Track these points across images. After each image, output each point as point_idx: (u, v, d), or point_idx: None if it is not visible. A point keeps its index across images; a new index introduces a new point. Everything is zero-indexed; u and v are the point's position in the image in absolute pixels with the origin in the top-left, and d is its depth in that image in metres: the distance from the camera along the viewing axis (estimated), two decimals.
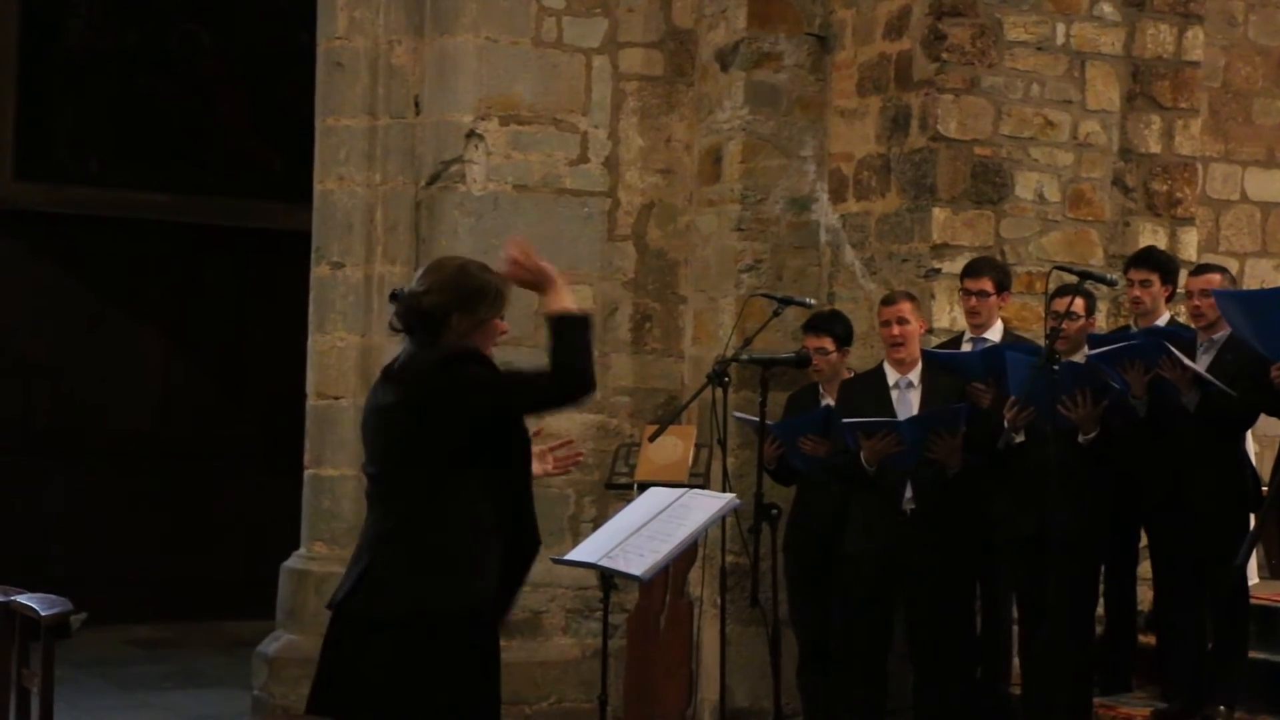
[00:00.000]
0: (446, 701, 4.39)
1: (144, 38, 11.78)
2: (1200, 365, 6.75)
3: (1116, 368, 6.71)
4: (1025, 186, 7.87)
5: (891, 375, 7.11)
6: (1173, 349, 6.61)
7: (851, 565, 7.07)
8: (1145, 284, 7.19)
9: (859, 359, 7.66)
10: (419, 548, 4.43)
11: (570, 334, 4.44)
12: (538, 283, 4.51)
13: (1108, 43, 8.02)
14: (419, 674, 4.38)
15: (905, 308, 7.07)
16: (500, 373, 4.50)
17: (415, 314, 4.50)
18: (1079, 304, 6.88)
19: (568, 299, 4.49)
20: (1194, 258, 8.02)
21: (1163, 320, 7.19)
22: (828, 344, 7.38)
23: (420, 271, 4.64)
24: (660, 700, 7.98)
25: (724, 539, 7.54)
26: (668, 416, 7.92)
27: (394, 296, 4.58)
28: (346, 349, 8.45)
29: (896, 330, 7.04)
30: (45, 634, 5.48)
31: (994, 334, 7.22)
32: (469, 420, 4.41)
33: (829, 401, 7.33)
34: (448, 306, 4.47)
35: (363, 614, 4.45)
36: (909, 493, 6.97)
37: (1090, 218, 7.99)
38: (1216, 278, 6.97)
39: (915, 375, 7.08)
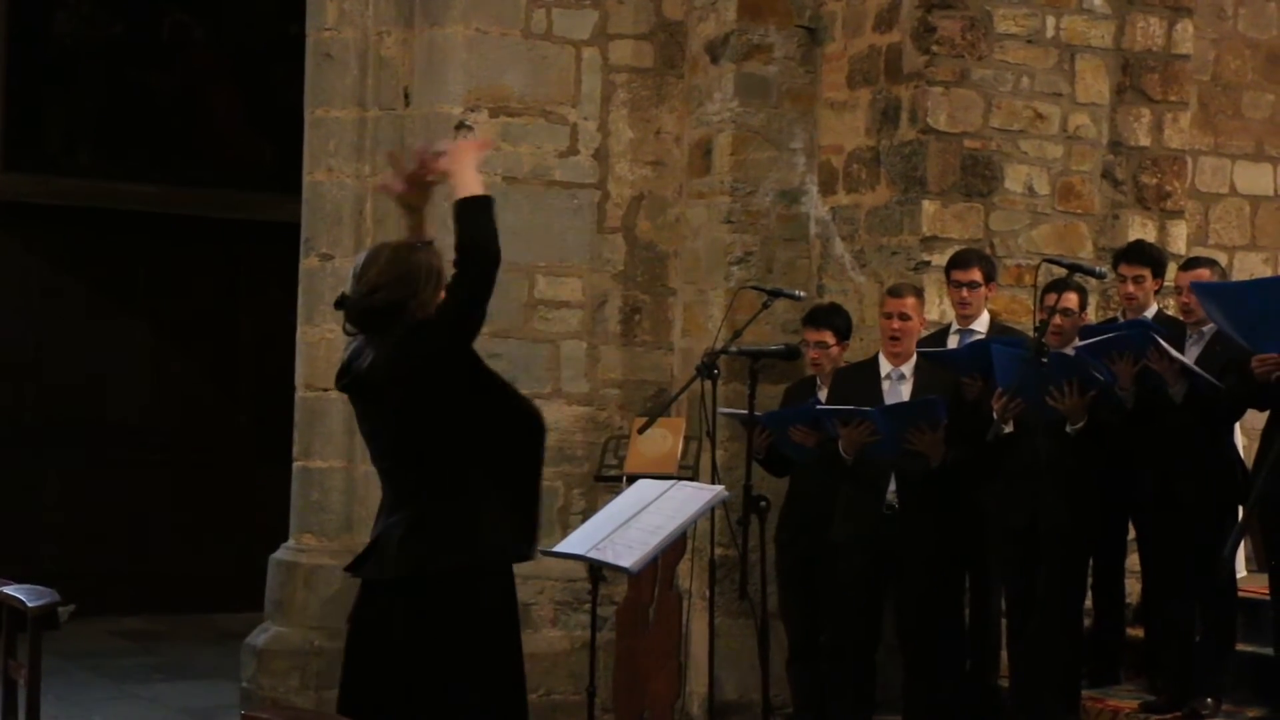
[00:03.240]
0: (463, 657, 4.45)
1: (134, 28, 11.74)
2: (1189, 357, 6.75)
3: (1104, 359, 6.70)
4: (1015, 179, 7.86)
5: (885, 366, 7.12)
6: (1161, 340, 6.60)
7: (838, 554, 7.07)
8: (1138, 280, 7.18)
9: (849, 350, 7.64)
10: (417, 514, 4.48)
11: (480, 214, 4.48)
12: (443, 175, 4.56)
13: (1097, 36, 8.01)
14: (431, 633, 4.44)
15: (909, 304, 7.06)
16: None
17: (370, 314, 4.55)
18: (1073, 299, 6.87)
19: (475, 184, 4.52)
20: (1183, 251, 8.01)
21: (1150, 313, 7.19)
22: (829, 338, 7.38)
23: (355, 271, 4.62)
24: (649, 692, 7.98)
25: (713, 531, 7.53)
26: (657, 409, 7.91)
27: (340, 303, 4.60)
28: (336, 341, 8.40)
29: (896, 325, 7.04)
30: (32, 625, 5.49)
31: (980, 325, 7.22)
32: (435, 366, 4.44)
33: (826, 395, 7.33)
34: (401, 298, 4.51)
35: (373, 580, 4.55)
36: (892, 486, 6.97)
37: (1080, 210, 7.99)
38: (1205, 272, 6.94)
39: (909, 368, 7.08)
